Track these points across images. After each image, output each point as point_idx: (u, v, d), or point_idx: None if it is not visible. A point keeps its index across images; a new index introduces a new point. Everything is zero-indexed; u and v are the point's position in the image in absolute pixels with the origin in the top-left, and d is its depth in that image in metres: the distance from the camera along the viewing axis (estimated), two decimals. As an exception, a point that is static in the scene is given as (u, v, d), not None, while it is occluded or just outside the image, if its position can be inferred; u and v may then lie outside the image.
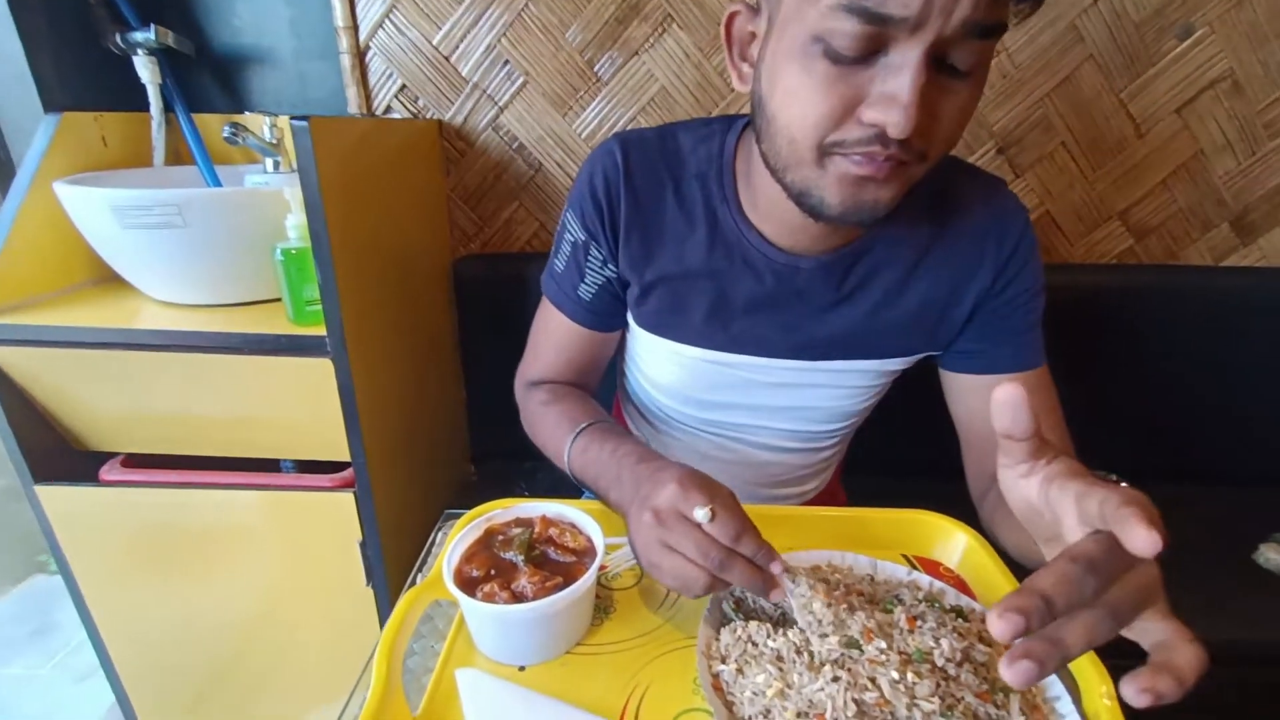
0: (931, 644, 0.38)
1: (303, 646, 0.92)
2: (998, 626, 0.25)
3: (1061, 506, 0.31)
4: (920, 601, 0.43)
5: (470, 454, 1.18)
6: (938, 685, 0.36)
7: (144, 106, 0.96)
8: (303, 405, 0.78)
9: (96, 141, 0.90)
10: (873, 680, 0.36)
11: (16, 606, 1.57)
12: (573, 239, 0.61)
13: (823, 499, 0.78)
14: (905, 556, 0.54)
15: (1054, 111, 1.01)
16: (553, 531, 0.48)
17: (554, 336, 0.66)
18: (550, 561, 0.46)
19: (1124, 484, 0.31)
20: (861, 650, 0.38)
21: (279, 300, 0.78)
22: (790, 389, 0.63)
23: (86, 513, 0.83)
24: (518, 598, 0.42)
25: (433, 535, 0.59)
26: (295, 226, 0.71)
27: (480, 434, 1.16)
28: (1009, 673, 0.25)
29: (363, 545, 0.83)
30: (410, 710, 0.40)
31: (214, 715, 0.97)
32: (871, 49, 0.40)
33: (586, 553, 0.47)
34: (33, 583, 1.63)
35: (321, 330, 0.72)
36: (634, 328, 0.65)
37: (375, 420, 0.80)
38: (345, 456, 0.79)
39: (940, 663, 0.37)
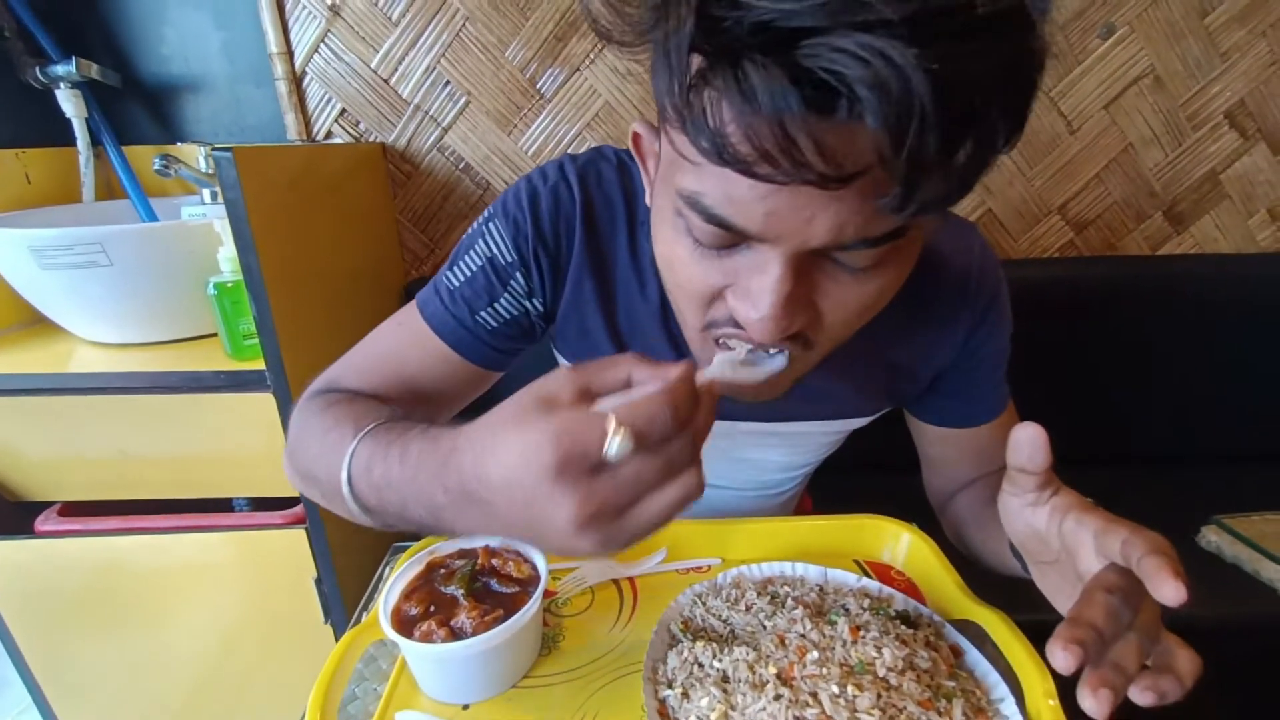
0: (874, 654, 0.38)
1: (261, 686, 0.89)
2: (1061, 659, 0.27)
3: (1077, 540, 0.34)
4: (865, 610, 0.43)
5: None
6: (879, 696, 0.35)
7: (70, 141, 0.93)
8: (246, 441, 0.76)
9: (19, 178, 0.87)
10: (814, 696, 0.36)
11: (-37, 667, 1.49)
12: (491, 255, 0.49)
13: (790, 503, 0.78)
14: (857, 562, 0.54)
15: (990, 111, 1.03)
16: (495, 562, 0.47)
17: (412, 364, 0.51)
18: (492, 593, 0.45)
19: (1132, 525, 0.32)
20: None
21: (216, 335, 0.75)
22: (747, 448, 0.59)
23: (22, 566, 0.79)
24: (457, 634, 0.41)
25: (380, 569, 0.57)
26: (228, 259, 0.69)
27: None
28: (1092, 701, 0.27)
29: (318, 582, 0.81)
30: (350, 761, 0.39)
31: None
32: (732, 242, 0.34)
33: (530, 581, 0.46)
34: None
35: (261, 365, 0.70)
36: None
37: (324, 453, 0.78)
38: (295, 492, 0.77)
39: (882, 673, 0.37)
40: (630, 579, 0.53)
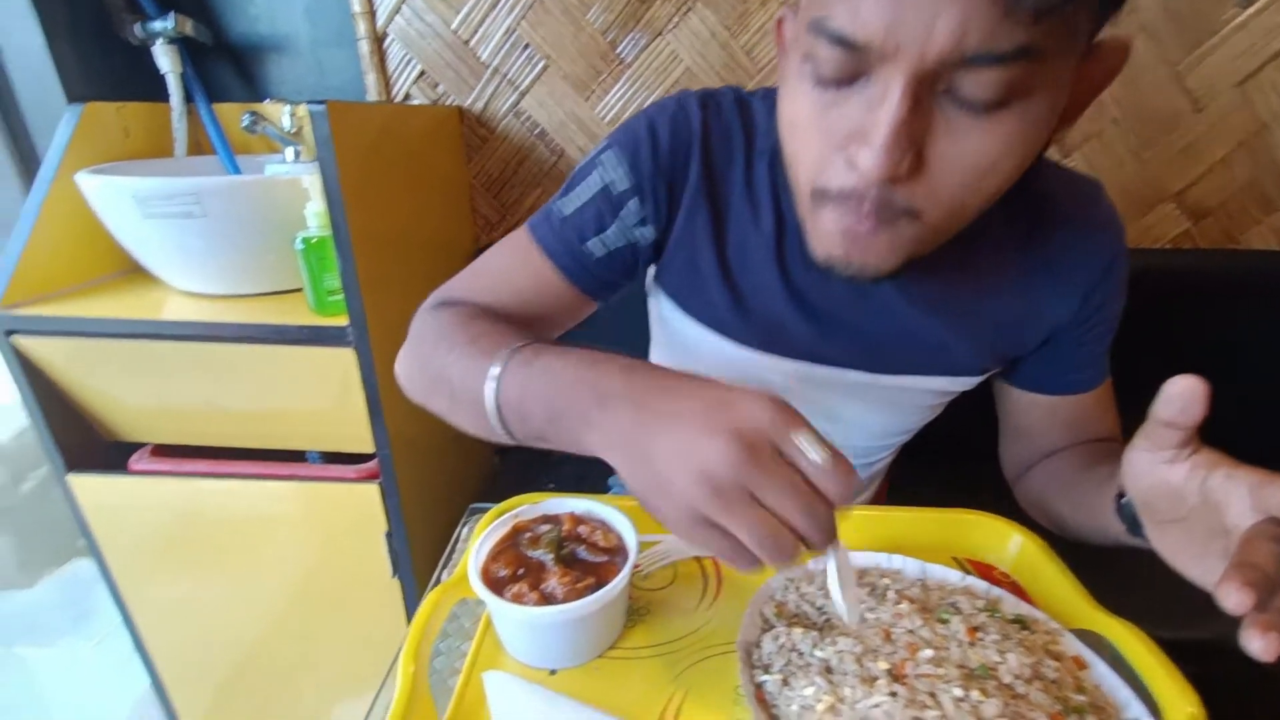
0: (996, 658, 0.35)
1: (329, 635, 0.92)
2: (1235, 599, 0.27)
3: (1227, 494, 0.33)
4: (979, 610, 0.40)
5: (494, 445, 1.17)
6: (1005, 704, 0.33)
7: (163, 97, 0.95)
8: (326, 396, 0.77)
9: (119, 132, 0.90)
10: (932, 696, 0.33)
11: (58, 590, 1.61)
12: (606, 182, 0.49)
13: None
14: (955, 559, 0.51)
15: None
16: (582, 529, 0.46)
17: (520, 282, 0.51)
18: (580, 561, 0.44)
19: None
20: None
21: (301, 290, 0.76)
22: (847, 401, 0.56)
23: (117, 501, 0.83)
24: (547, 599, 0.40)
25: (458, 530, 0.57)
26: (315, 214, 0.69)
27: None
28: (1261, 643, 0.26)
29: (389, 537, 0.82)
30: (437, 714, 0.39)
31: (244, 698, 0.98)
32: (853, 74, 0.34)
33: (618, 552, 0.45)
34: (73, 566, 1.67)
35: (343, 320, 0.71)
36: (668, 316, 0.57)
37: (399, 411, 0.79)
38: (369, 448, 0.78)
39: (1007, 680, 0.34)
40: (713, 559, 0.51)
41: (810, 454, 0.29)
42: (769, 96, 0.50)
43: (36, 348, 0.75)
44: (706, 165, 0.49)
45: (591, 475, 0.88)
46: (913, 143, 0.34)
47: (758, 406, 0.30)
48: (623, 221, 0.50)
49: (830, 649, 0.38)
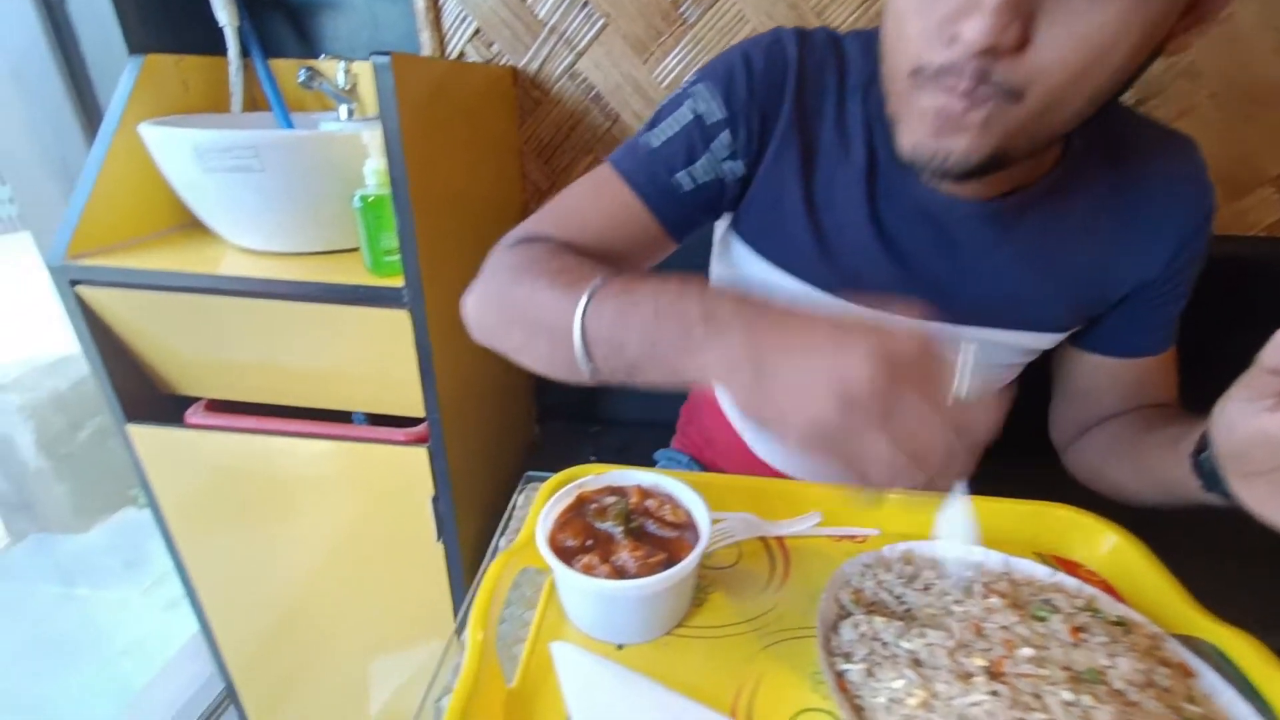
0: (1105, 661, 0.33)
1: (372, 594, 0.94)
2: None
3: None
4: (1079, 609, 0.38)
5: (535, 415, 1.17)
6: (1119, 712, 0.30)
7: (220, 50, 0.94)
8: (378, 358, 0.77)
9: (178, 85, 0.89)
10: (1038, 698, 0.31)
11: (111, 536, 1.69)
12: (698, 113, 0.49)
13: None
14: (1039, 554, 0.48)
15: (1204, 55, 0.88)
16: (650, 503, 0.44)
17: (601, 217, 0.50)
18: (649, 535, 0.42)
19: None
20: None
21: (357, 250, 0.76)
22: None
23: (173, 453, 0.85)
24: (619, 573, 0.39)
25: (513, 498, 0.57)
26: (374, 172, 0.68)
27: (545, 395, 1.14)
28: None
29: (435, 501, 0.82)
30: (505, 681, 0.38)
31: (289, 648, 1.00)
32: None
33: (686, 527, 0.43)
34: (125, 515, 1.75)
35: (399, 282, 0.70)
36: (741, 263, 0.55)
37: (449, 376, 0.78)
38: (418, 411, 0.78)
39: (1118, 685, 0.32)
40: (779, 539, 0.49)
41: (959, 383, 0.28)
42: (860, 36, 0.50)
43: (98, 298, 0.76)
44: (799, 99, 0.49)
45: (635, 446, 0.87)
46: (1020, 12, 0.33)
47: (904, 330, 0.28)
48: (713, 154, 0.49)
49: (918, 641, 0.36)
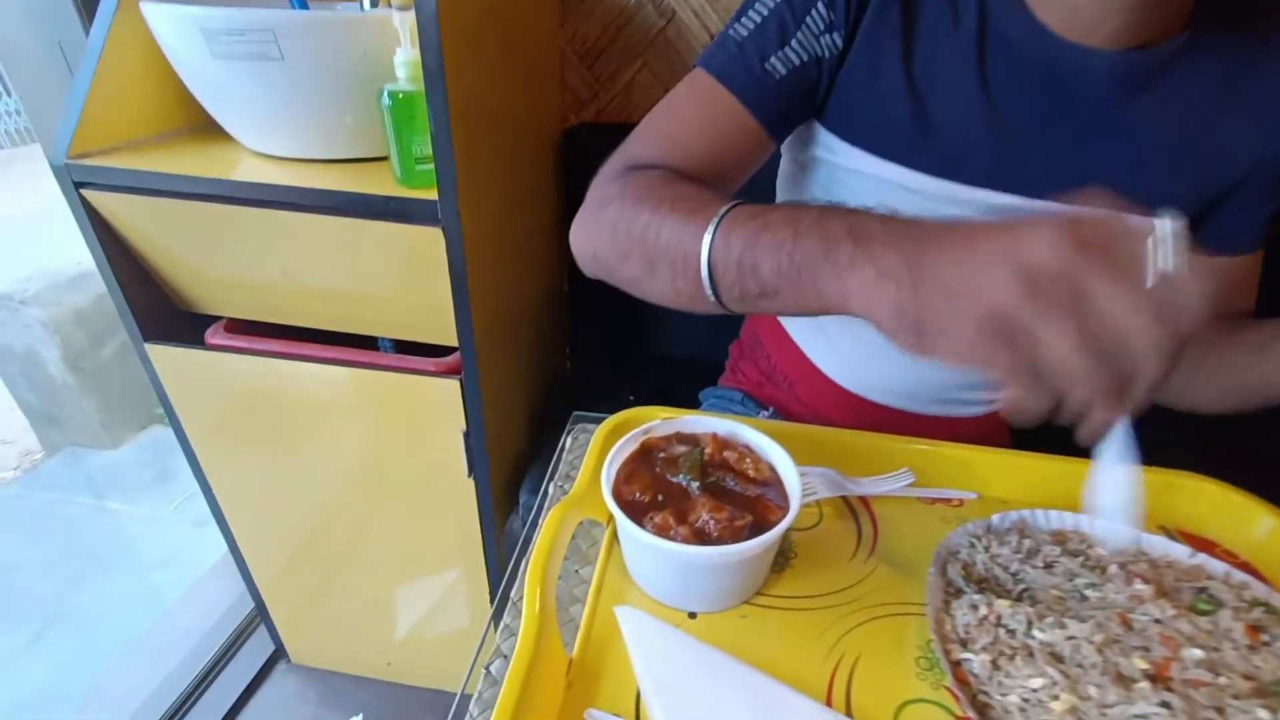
0: (1300, 673, 0.27)
1: (401, 522, 0.92)
2: None
3: None
4: (1249, 603, 0.32)
5: (568, 351, 1.11)
6: (1329, 738, 0.25)
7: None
8: (408, 280, 0.71)
9: (184, -36, 0.79)
10: (1220, 713, 0.26)
11: (140, 453, 1.70)
12: None
13: (997, 421, 0.66)
14: (1164, 528, 0.42)
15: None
16: (728, 455, 0.39)
17: (697, 125, 0.47)
18: (727, 492, 0.37)
19: None
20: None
21: (386, 159, 0.68)
22: None
23: (193, 374, 0.81)
24: (699, 535, 0.33)
25: (562, 439, 0.51)
26: (406, 64, 0.60)
27: (581, 329, 1.08)
28: None
29: (466, 436, 0.78)
30: (563, 645, 0.33)
31: (316, 574, 1.00)
32: None
33: (770, 484, 0.37)
34: (153, 432, 1.76)
35: (432, 194, 0.63)
36: (826, 156, 0.51)
37: (483, 303, 0.72)
38: (449, 340, 0.73)
39: (1323, 704, 0.26)
40: (864, 499, 0.44)
41: (1162, 259, 0.23)
42: None
43: (107, 204, 0.70)
44: None
45: (674, 387, 0.81)
46: None
47: (1090, 215, 0.24)
48: (807, 29, 0.46)
49: (1056, 632, 0.30)
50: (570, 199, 0.97)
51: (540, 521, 0.38)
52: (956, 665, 0.31)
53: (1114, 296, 0.23)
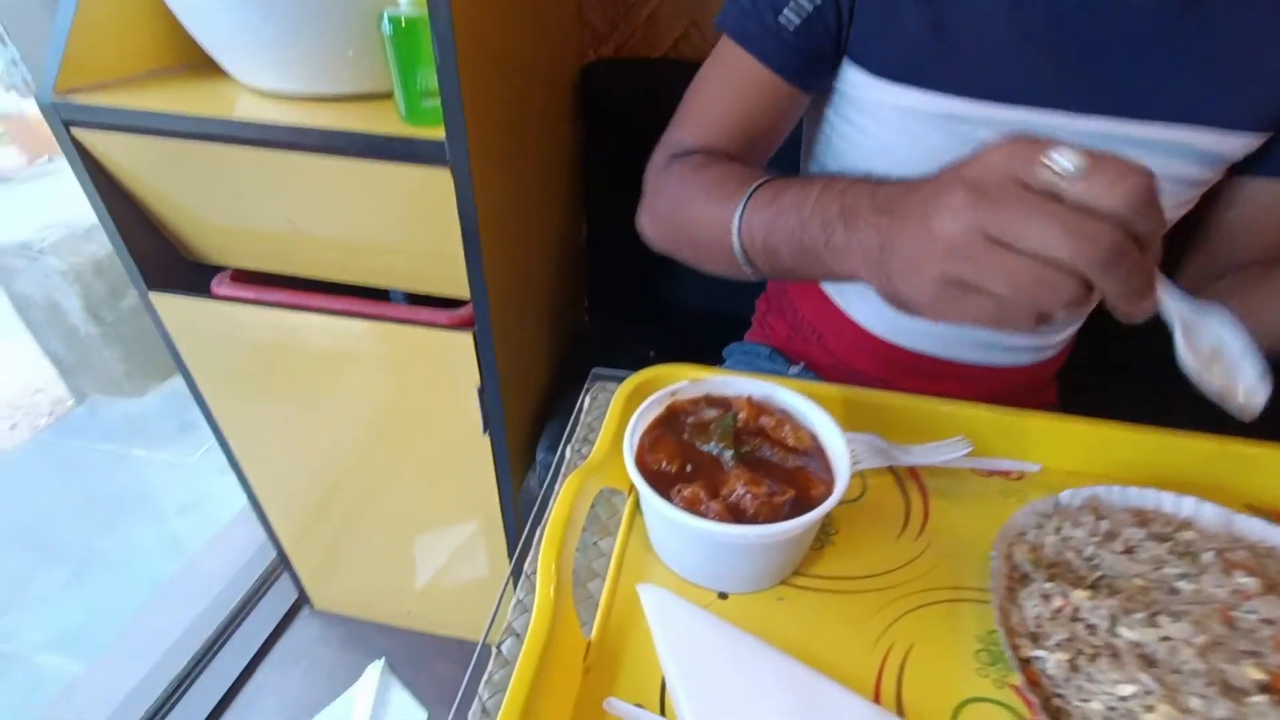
0: None
1: (418, 475, 0.90)
2: None
3: None
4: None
5: (586, 303, 1.06)
6: None
7: None
8: (416, 226, 0.66)
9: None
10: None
11: (164, 402, 1.72)
12: None
13: (1043, 376, 0.61)
14: (1250, 507, 0.37)
15: None
16: (765, 421, 0.35)
17: (728, 87, 0.49)
18: (763, 463, 0.33)
19: None
20: None
21: (390, 96, 0.63)
22: None
23: (201, 325, 0.79)
24: (734, 512, 0.30)
25: (580, 398, 0.48)
26: (407, -17, 0.54)
27: (600, 280, 1.03)
28: None
29: (481, 391, 0.75)
30: (580, 623, 0.30)
31: (338, 522, 1.00)
32: None
33: (810, 454, 0.33)
34: (176, 382, 1.77)
35: (439, 133, 0.57)
36: (852, 91, 0.47)
37: (496, 251, 0.68)
38: (461, 291, 0.69)
39: None
40: (913, 470, 0.40)
41: (1060, 163, 0.23)
42: None
43: (98, 144, 0.66)
44: None
45: (697, 341, 0.77)
46: None
47: (991, 148, 0.25)
48: None
49: (1147, 631, 0.26)
50: (590, 140, 0.91)
51: (556, 490, 0.35)
52: (1026, 663, 0.27)
53: (1022, 227, 0.23)
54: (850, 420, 0.41)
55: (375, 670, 1.02)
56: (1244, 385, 0.25)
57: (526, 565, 0.35)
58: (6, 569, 1.26)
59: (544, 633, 0.27)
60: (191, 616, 1.08)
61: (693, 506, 0.30)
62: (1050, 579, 0.30)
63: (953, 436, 0.40)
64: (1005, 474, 0.40)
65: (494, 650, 0.31)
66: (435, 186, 0.60)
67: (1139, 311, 0.24)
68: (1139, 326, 0.26)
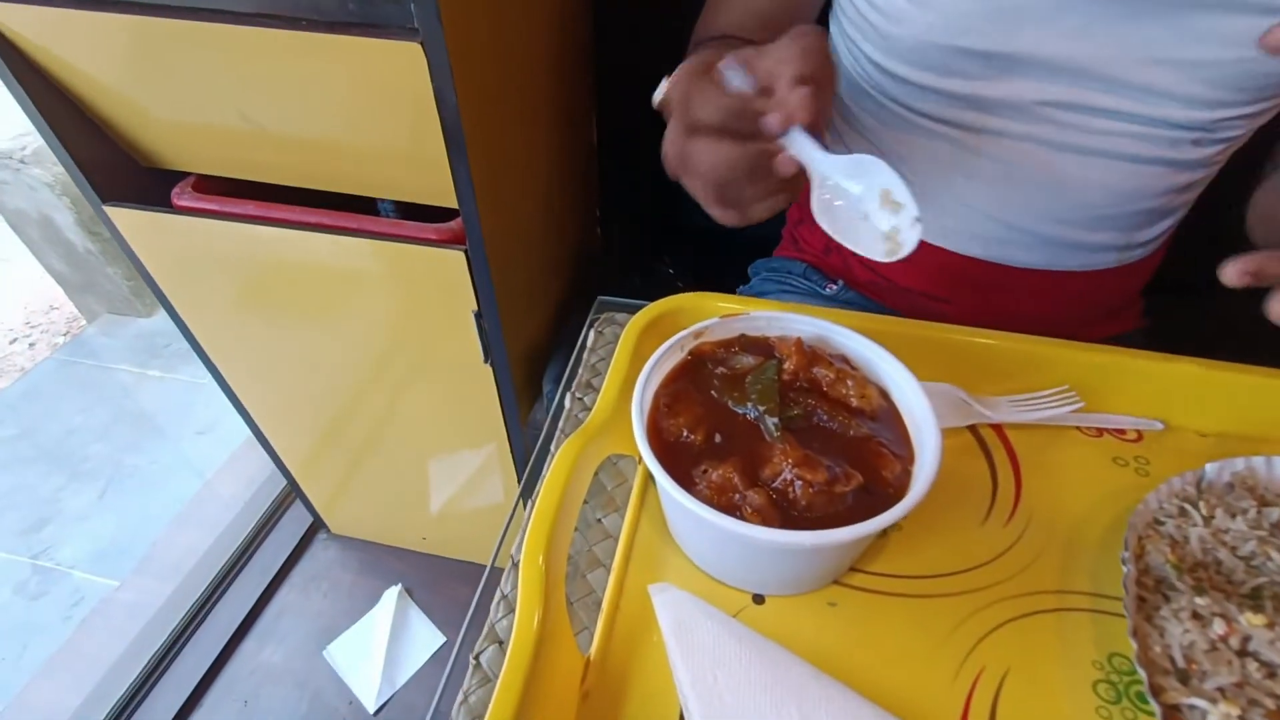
0: None
1: (421, 402, 0.85)
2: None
3: None
4: None
5: (599, 215, 0.95)
6: None
7: None
8: (388, 119, 0.56)
9: None
10: None
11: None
12: None
13: (1129, 287, 0.51)
14: None
15: None
16: (820, 372, 0.26)
17: None
18: (820, 432, 0.25)
19: None
20: None
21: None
22: (1150, 24, 0.34)
23: (166, 241, 0.71)
24: (778, 502, 0.22)
25: (582, 334, 0.39)
26: None
27: (612, 188, 0.92)
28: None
29: (478, 316, 0.67)
30: (579, 648, 0.24)
31: (344, 448, 0.97)
32: None
33: (881, 418, 0.25)
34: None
35: (404, -7, 0.46)
36: None
37: (486, 151, 0.57)
38: (450, 202, 0.59)
39: None
40: (999, 429, 0.31)
41: (738, 82, 0.27)
42: None
43: (10, 20, 0.55)
44: None
45: (723, 265, 0.67)
46: None
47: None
48: None
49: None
50: (600, 21, 0.76)
51: (552, 452, 0.27)
52: (1174, 710, 0.20)
53: (700, 108, 0.27)
54: (918, 364, 0.32)
55: (393, 595, 1.03)
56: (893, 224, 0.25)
57: (514, 551, 0.28)
58: (44, 487, 1.28)
59: (529, 650, 0.20)
60: (212, 537, 1.09)
61: (723, 494, 0.22)
62: (1198, 590, 0.22)
63: (1055, 387, 0.31)
64: (1119, 433, 0.31)
65: (473, 662, 0.25)
66: (404, 64, 0.49)
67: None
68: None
